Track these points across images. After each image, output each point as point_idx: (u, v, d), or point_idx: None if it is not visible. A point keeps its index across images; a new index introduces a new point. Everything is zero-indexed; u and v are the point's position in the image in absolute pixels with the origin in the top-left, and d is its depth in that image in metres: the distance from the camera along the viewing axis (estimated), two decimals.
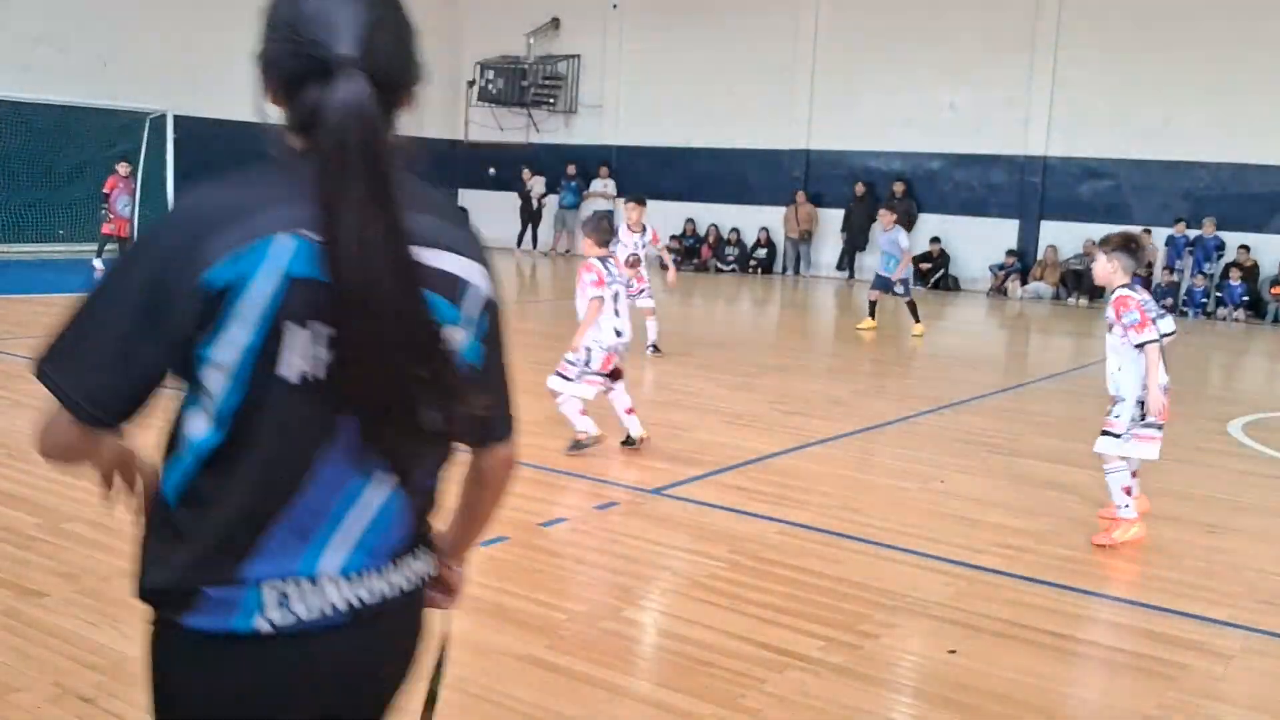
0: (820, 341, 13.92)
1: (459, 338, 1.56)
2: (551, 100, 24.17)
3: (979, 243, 19.74)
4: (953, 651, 3.99)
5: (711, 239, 22.22)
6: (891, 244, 13.20)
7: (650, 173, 22.81)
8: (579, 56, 23.89)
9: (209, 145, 19.32)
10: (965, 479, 6.51)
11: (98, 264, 15.91)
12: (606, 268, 6.46)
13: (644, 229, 10.39)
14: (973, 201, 19.95)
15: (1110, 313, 5.22)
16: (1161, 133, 18.04)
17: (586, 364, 6.36)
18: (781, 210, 21.46)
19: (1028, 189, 19.58)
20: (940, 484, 6.34)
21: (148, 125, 18.65)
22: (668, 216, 22.28)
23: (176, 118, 18.47)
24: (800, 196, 21.25)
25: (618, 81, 23.39)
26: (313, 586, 1.50)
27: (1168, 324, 5.37)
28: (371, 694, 1.65)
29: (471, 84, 24.68)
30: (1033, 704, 3.63)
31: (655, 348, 10.53)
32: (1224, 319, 17.30)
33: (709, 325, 15.20)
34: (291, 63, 1.44)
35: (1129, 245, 5.25)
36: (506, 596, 4.27)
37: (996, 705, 3.59)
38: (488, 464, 1.74)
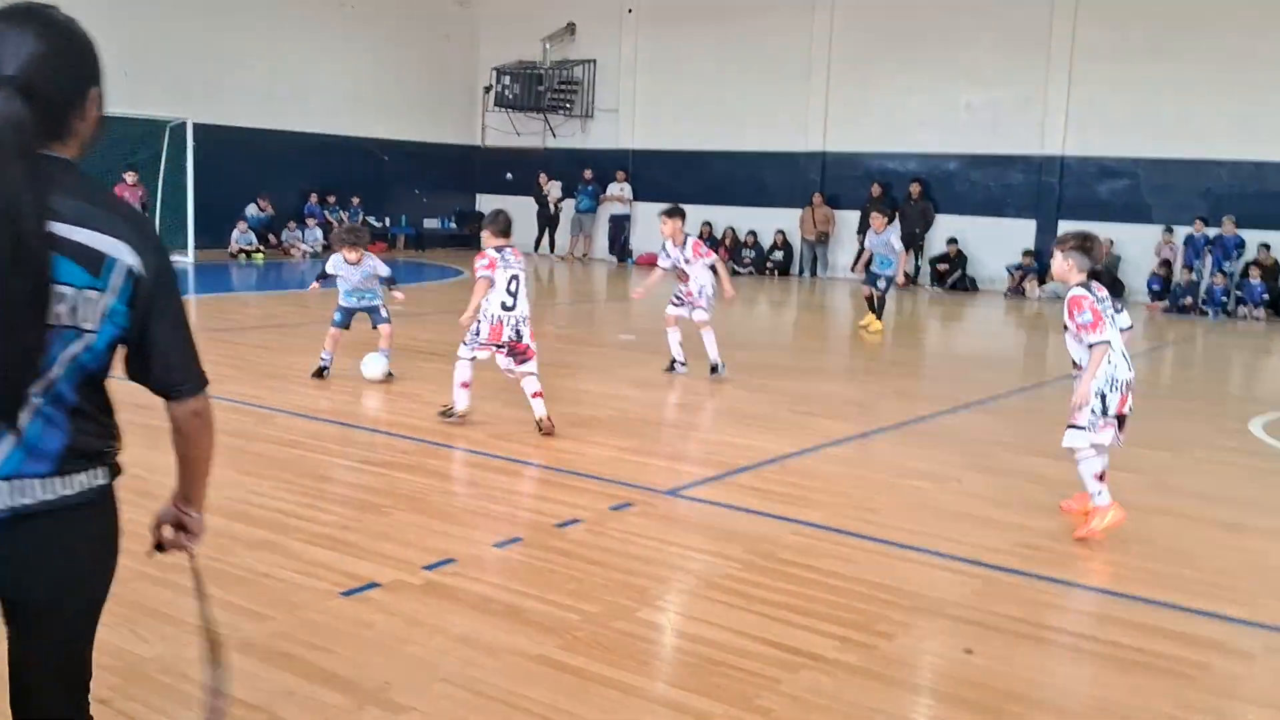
0: (837, 343, 13.87)
1: (100, 299, 1.94)
2: (568, 105, 24.23)
3: (996, 243, 19.66)
4: (969, 651, 3.97)
5: (728, 242, 22.20)
6: (885, 246, 13.21)
7: (667, 176, 22.82)
8: (594, 61, 23.93)
9: (227, 151, 19.50)
10: (982, 479, 6.47)
11: None
12: (502, 255, 7.17)
13: (685, 241, 9.66)
14: (990, 202, 19.87)
15: (1065, 313, 5.28)
16: (1179, 131, 17.91)
17: (477, 334, 7.15)
18: (798, 212, 21.43)
19: (1045, 189, 19.48)
20: (957, 484, 6.31)
21: (168, 133, 18.79)
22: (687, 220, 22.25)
23: (195, 125, 18.59)
24: (817, 198, 21.21)
25: (633, 85, 23.42)
26: None
27: (1124, 319, 5.41)
28: (28, 587, 2.03)
29: (488, 89, 24.76)
30: (1050, 704, 3.60)
31: (715, 368, 9.42)
32: (1244, 318, 17.16)
33: (726, 327, 15.15)
34: None
35: (1084, 244, 5.36)
36: (520, 597, 4.27)
37: (1014, 705, 3.56)
38: (176, 415, 2.14)
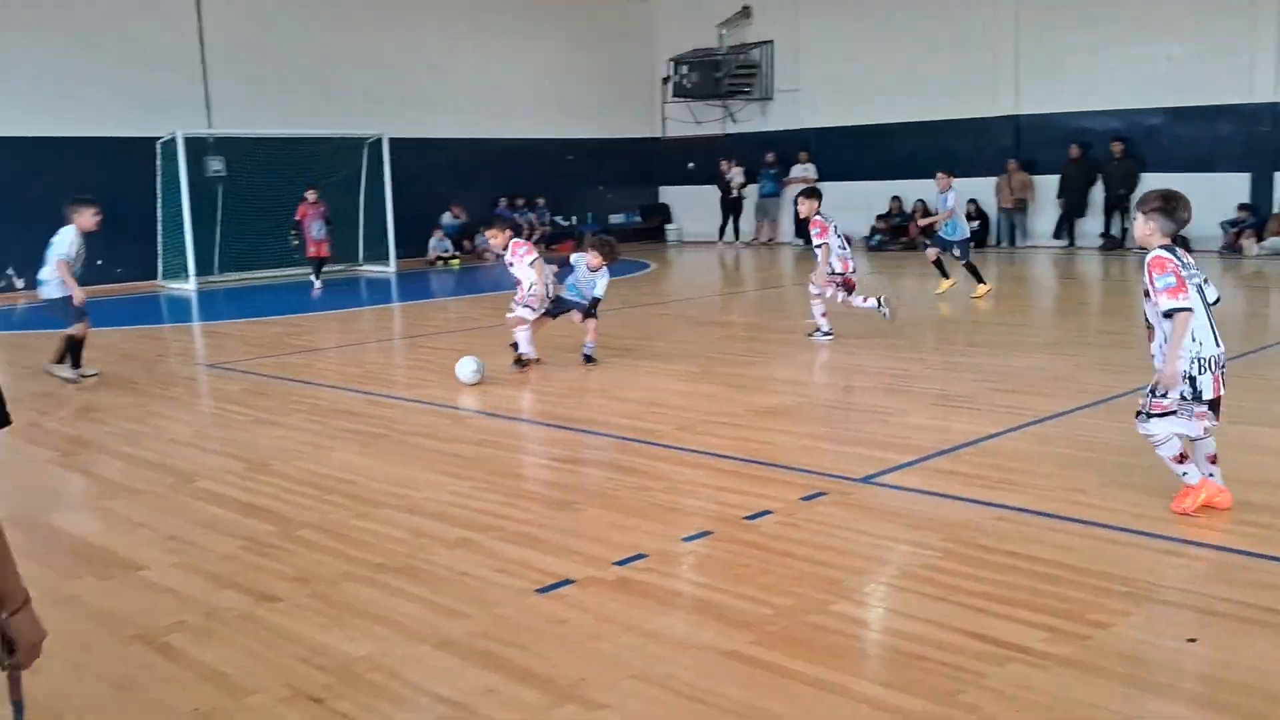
0: (1038, 314, 13.27)
1: None
2: (747, 89, 24.05)
3: (1208, 199, 18.21)
4: (1192, 640, 3.70)
5: (919, 216, 21.54)
6: (945, 205, 13.31)
7: (851, 153, 22.36)
8: (772, 43, 23.66)
9: (421, 162, 20.27)
10: None
11: (317, 283, 16.97)
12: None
13: (818, 221, 10.29)
14: (1198, 157, 18.52)
15: (1145, 277, 4.86)
16: None
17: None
18: (992, 180, 20.61)
19: (1257, 139, 18.06)
20: None
21: (366, 149, 19.67)
22: (872, 196, 21.80)
23: (391, 140, 19.39)
24: (1011, 165, 20.34)
25: (812, 64, 23.02)
26: None
27: (1212, 291, 4.95)
28: None
29: (666, 80, 24.85)
30: None
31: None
32: None
33: (918, 304, 14.73)
34: None
35: (1167, 205, 4.92)
36: (712, 592, 4.24)
37: (1240, 697, 3.30)
38: None
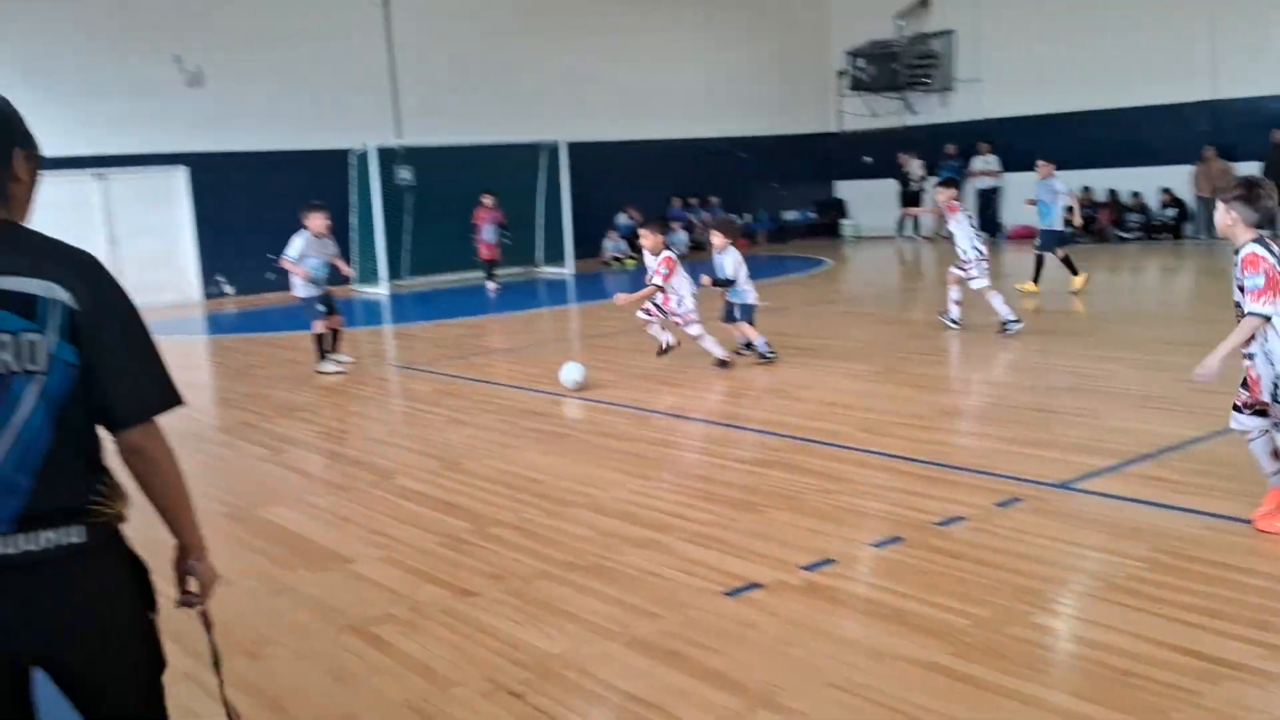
0: None
1: (42, 340, 2.00)
2: (926, 80, 23.49)
3: None
4: None
5: (1111, 206, 20.64)
6: (1050, 193, 12.89)
7: (1035, 143, 21.44)
8: (953, 32, 23.04)
9: (596, 166, 20.61)
10: None
11: (491, 285, 17.51)
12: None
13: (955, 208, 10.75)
14: None
15: (1237, 271, 4.49)
16: None
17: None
18: (1186, 169, 19.53)
19: None
20: None
21: (544, 155, 20.14)
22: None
23: (569, 145, 19.80)
24: (1209, 152, 19.21)
25: (994, 52, 22.29)
26: None
27: None
28: (19, 642, 2.04)
29: (842, 74, 24.52)
30: None
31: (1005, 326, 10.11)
32: None
33: (1112, 300, 14.10)
34: None
35: (1249, 192, 4.49)
36: (905, 600, 4.17)
37: None
38: (119, 451, 2.11)
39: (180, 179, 17.41)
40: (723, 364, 9.15)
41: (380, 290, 18.06)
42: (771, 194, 24.46)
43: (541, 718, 3.42)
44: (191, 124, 17.15)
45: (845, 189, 25.55)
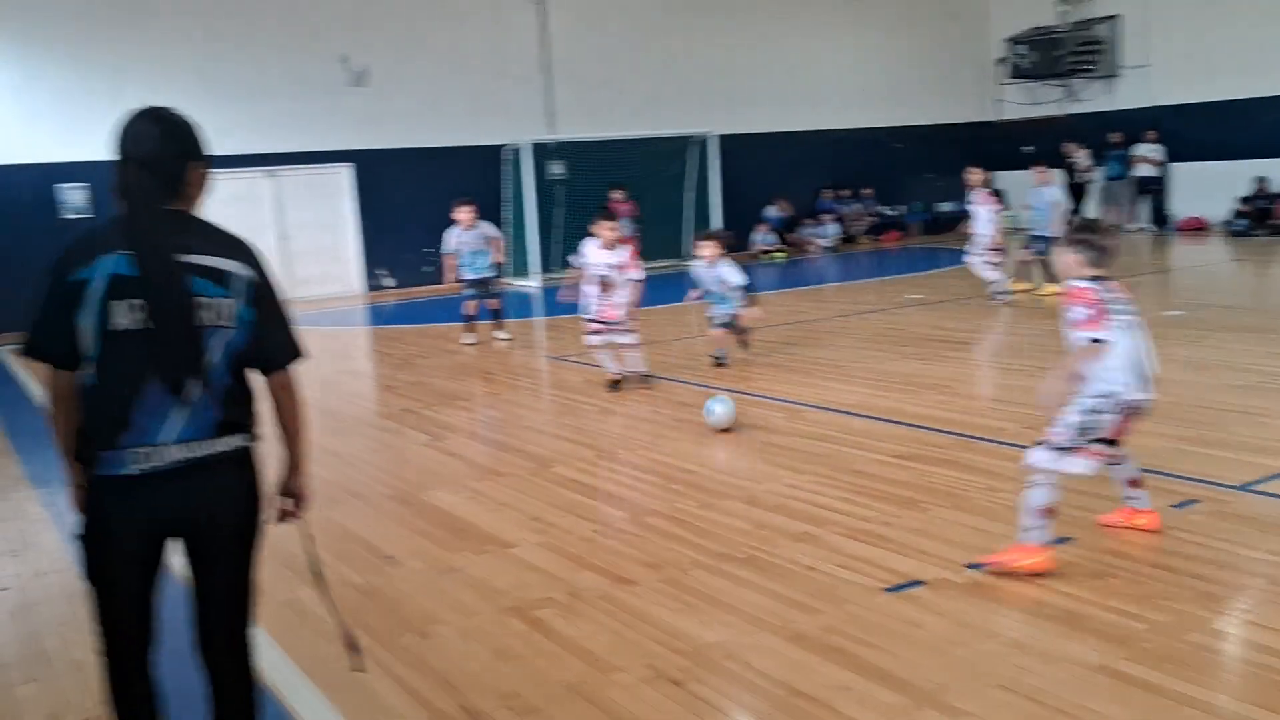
0: None
1: (229, 303, 2.70)
2: (1090, 66, 22.58)
3: None
4: None
5: None
6: (1043, 199, 13.01)
7: (1205, 131, 20.49)
8: (1119, 16, 22.10)
9: (747, 157, 20.52)
10: None
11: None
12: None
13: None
14: None
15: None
16: None
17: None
18: None
19: None
20: None
21: (695, 148, 20.15)
22: (1230, 176, 19.95)
23: (719, 137, 19.77)
24: None
25: (1164, 37, 21.28)
26: (155, 449, 2.66)
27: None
28: (199, 513, 2.75)
29: (1001, 61, 23.79)
30: None
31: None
32: None
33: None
34: (117, 160, 2.72)
35: (1086, 238, 4.40)
36: (1075, 601, 4.03)
37: None
38: (270, 386, 2.87)
39: (345, 176, 18.05)
40: (615, 385, 8.79)
41: (533, 283, 18.37)
42: (927, 185, 23.91)
43: (704, 706, 3.42)
44: (356, 122, 17.77)
45: (1005, 179, 24.78)
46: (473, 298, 11.71)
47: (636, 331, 8.88)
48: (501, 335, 11.87)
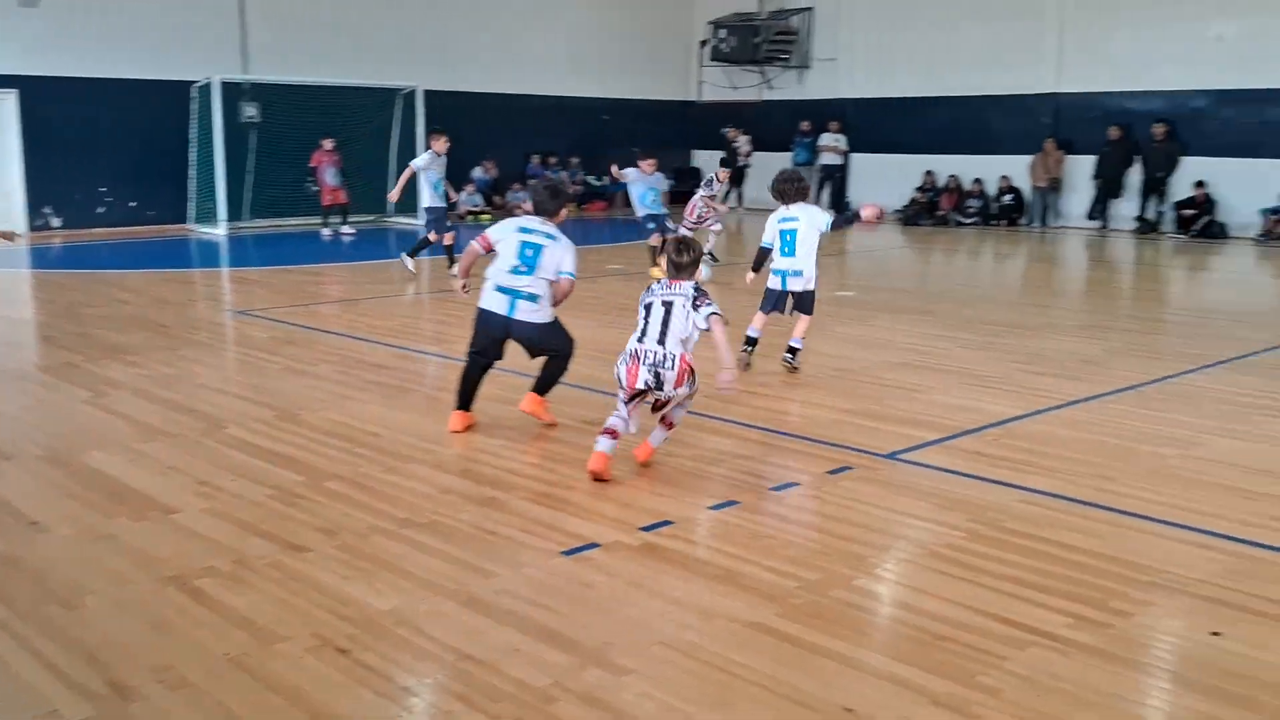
0: (1070, 297, 13.16)
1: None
2: (785, 56, 23.80)
3: (1250, 186, 18.12)
4: (1217, 634, 3.70)
5: (952, 190, 21.39)
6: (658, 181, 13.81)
7: (886, 124, 22.17)
8: (812, 10, 23.41)
9: (454, 116, 20.21)
10: (1234, 445, 6.01)
11: (325, 231, 17.08)
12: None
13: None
14: (1243, 142, 18.28)
15: None
16: None
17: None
18: (1027, 159, 20.39)
19: None
20: (1200, 450, 5.88)
21: (399, 100, 19.63)
22: (905, 169, 21.66)
23: (426, 92, 19.35)
24: (1049, 144, 20.12)
25: (852, 33, 22.77)
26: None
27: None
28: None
29: (704, 44, 24.62)
30: None
31: None
32: None
33: (948, 281, 14.66)
34: None
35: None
36: (737, 561, 4.26)
37: (1268, 696, 3.30)
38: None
39: (9, 104, 16.33)
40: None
41: (218, 231, 17.36)
42: (631, 158, 24.43)
43: (368, 674, 3.36)
44: (24, 45, 16.10)
45: (701, 159, 25.76)
46: (450, 229, 13.10)
47: None
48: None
